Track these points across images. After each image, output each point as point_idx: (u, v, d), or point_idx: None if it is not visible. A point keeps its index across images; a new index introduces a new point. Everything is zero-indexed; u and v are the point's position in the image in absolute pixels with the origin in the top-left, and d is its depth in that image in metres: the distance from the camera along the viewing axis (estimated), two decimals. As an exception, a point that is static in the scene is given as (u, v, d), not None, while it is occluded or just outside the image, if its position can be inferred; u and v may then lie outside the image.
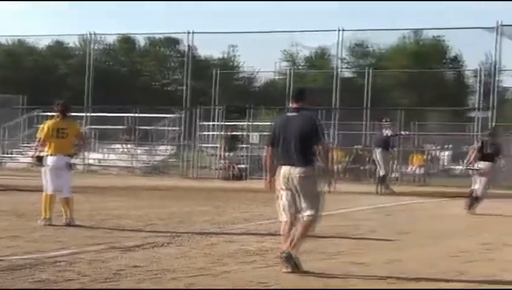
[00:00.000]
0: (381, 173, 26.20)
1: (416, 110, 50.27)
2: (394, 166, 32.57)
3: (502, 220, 16.96)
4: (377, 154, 26.45)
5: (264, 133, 35.99)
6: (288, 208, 9.62)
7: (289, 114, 9.98)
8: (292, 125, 9.67)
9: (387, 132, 26.57)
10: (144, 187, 25.21)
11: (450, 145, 41.26)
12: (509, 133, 36.08)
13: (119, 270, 9.16)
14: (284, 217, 9.67)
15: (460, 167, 39.26)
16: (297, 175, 9.50)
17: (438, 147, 38.07)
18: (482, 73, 46.36)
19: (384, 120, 27.51)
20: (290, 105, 10.02)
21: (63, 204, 13.68)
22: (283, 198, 9.66)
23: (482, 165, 18.99)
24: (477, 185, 18.97)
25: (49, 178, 13.76)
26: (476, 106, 38.83)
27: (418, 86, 76.36)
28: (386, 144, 26.51)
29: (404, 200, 22.09)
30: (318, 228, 11.27)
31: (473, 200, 18.73)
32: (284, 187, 9.62)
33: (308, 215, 9.49)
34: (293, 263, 9.21)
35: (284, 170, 9.63)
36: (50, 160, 13.76)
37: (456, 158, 41.97)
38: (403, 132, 31.19)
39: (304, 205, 9.52)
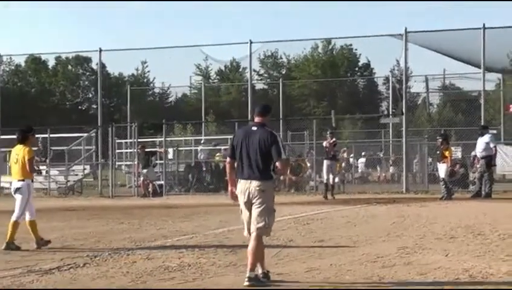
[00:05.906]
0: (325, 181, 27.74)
1: (329, 118, 50.74)
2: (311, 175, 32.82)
3: (417, 223, 17.18)
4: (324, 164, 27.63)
5: (180, 148, 35.86)
6: (246, 223, 9.66)
7: (251, 128, 9.85)
8: (252, 139, 9.60)
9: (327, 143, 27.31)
10: (60, 208, 24.82)
11: (364, 153, 41.66)
12: (419, 137, 36.81)
13: (36, 294, 9.02)
14: (245, 232, 9.75)
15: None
16: (255, 188, 9.46)
17: (351, 155, 38.41)
18: (392, 80, 47.31)
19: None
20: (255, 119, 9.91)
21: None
22: (242, 213, 9.70)
23: None
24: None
25: None
26: (387, 112, 39.38)
27: (330, 94, 77.31)
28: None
29: (322, 208, 22.21)
30: (239, 239, 11.19)
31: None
32: (242, 201, 9.62)
33: (257, 229, 9.47)
34: (257, 283, 9.29)
35: (242, 184, 9.61)
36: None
37: (370, 165, 42.45)
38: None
39: (255, 217, 9.48)
